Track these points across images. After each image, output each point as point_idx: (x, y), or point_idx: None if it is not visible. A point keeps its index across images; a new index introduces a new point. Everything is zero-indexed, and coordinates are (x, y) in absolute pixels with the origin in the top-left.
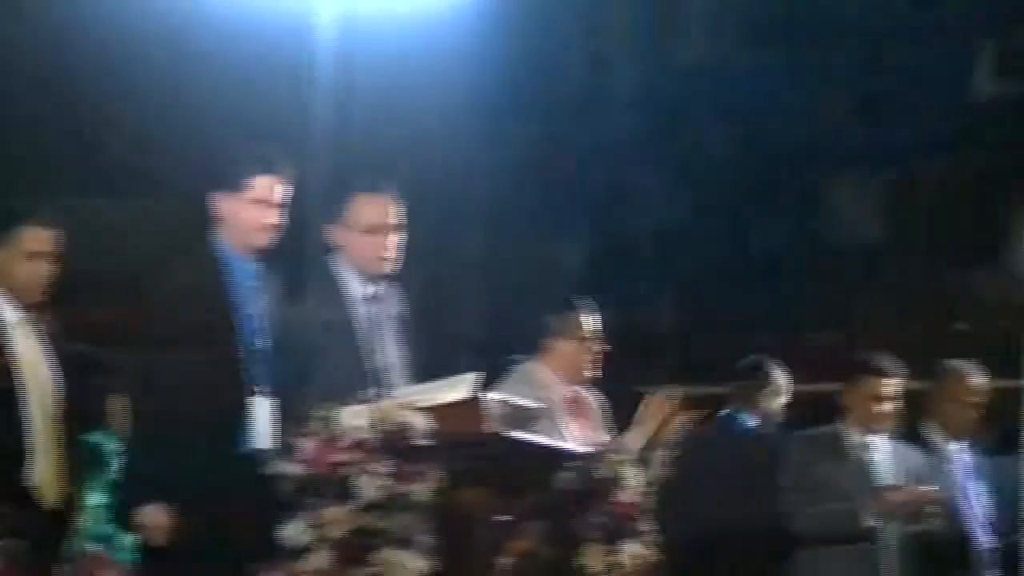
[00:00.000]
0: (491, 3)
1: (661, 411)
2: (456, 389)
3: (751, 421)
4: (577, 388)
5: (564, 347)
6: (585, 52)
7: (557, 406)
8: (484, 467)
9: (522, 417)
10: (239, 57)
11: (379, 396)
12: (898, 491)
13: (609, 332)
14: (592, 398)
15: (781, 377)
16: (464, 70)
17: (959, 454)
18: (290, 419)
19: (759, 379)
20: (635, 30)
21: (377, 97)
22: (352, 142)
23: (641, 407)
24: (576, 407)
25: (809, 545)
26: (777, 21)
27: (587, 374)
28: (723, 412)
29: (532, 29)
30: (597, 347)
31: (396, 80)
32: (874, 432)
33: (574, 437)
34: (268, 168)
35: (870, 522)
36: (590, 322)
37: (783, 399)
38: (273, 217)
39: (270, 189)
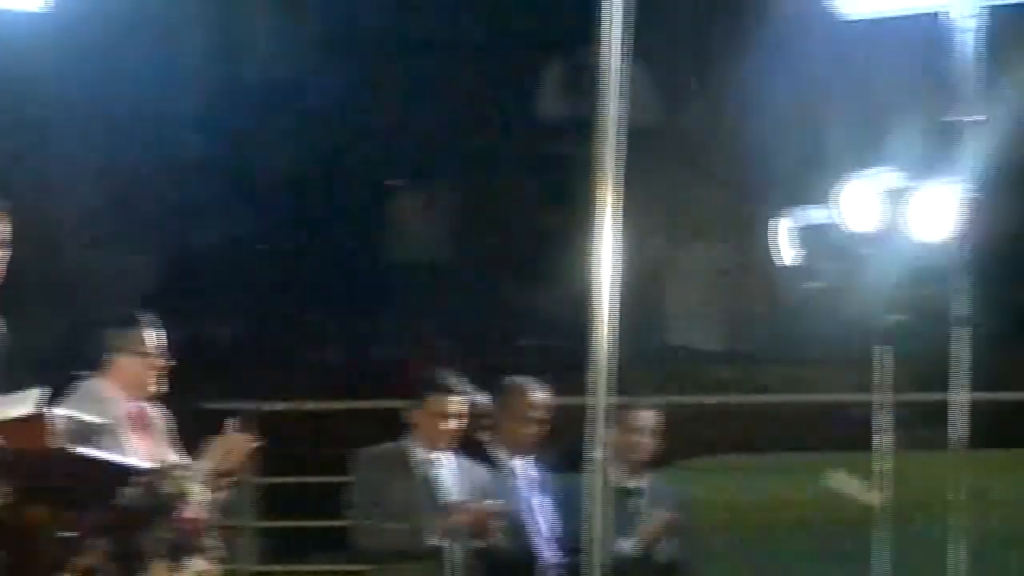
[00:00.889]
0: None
1: (234, 448)
2: (21, 404)
3: None
4: (141, 403)
5: (126, 362)
6: (153, 64)
7: (120, 422)
8: (48, 483)
9: (86, 433)
10: None
11: None
12: (463, 507)
13: (174, 347)
14: (156, 413)
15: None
16: (36, 80)
17: (524, 469)
18: None
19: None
20: (202, 44)
21: None
22: None
23: (215, 443)
24: (140, 422)
25: (376, 563)
26: (341, 35)
27: (151, 389)
28: None
29: (98, 41)
30: (160, 362)
31: None
32: (440, 449)
33: (138, 453)
34: None
35: (435, 540)
36: (153, 337)
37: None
38: None
39: None
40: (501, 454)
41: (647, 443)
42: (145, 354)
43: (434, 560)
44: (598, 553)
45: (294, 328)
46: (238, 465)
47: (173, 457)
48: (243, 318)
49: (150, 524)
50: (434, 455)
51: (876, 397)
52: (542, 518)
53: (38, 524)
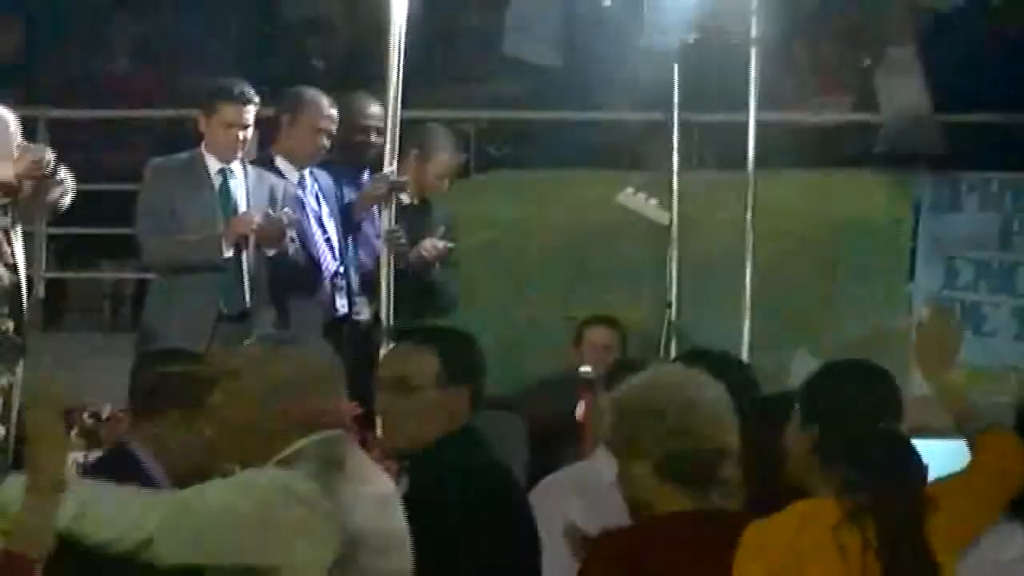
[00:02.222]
0: None
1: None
2: None
3: None
4: None
5: None
6: None
7: None
8: None
9: None
10: None
11: None
12: (253, 216)
13: None
14: None
15: None
16: None
17: (310, 181)
18: None
19: None
20: None
21: None
22: None
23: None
24: None
25: (165, 274)
26: None
27: None
28: None
29: None
30: None
31: None
32: (230, 159)
33: None
34: None
35: (227, 250)
36: None
37: None
38: None
39: None
40: (286, 165)
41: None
42: None
43: (223, 270)
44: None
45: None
46: (34, 173)
47: None
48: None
49: None
50: (225, 165)
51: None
52: (327, 229)
53: None
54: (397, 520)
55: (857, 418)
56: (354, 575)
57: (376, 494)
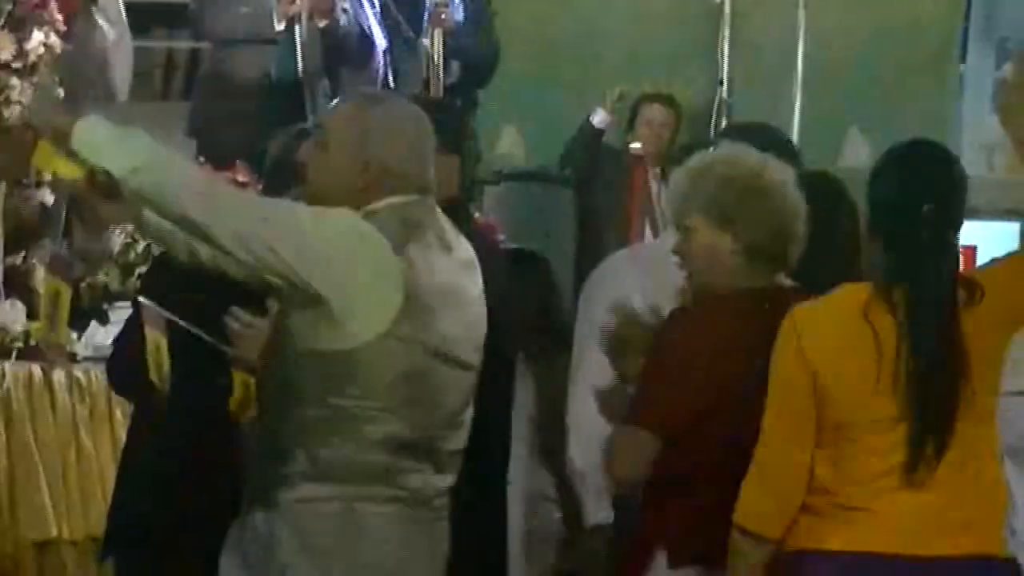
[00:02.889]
0: None
1: None
2: None
3: None
4: None
5: None
6: None
7: None
8: None
9: None
10: None
11: None
12: None
13: None
14: None
15: None
16: None
17: None
18: None
19: None
20: None
21: None
22: None
23: None
24: None
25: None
26: None
27: None
28: None
29: None
30: None
31: None
32: None
33: None
34: None
35: (279, 23)
36: None
37: None
38: None
39: None
40: None
41: None
42: None
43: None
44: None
45: None
46: None
47: None
48: None
49: None
50: None
51: None
52: (375, 3)
53: None
54: (472, 286)
55: (901, 200)
56: (418, 330)
57: (452, 259)
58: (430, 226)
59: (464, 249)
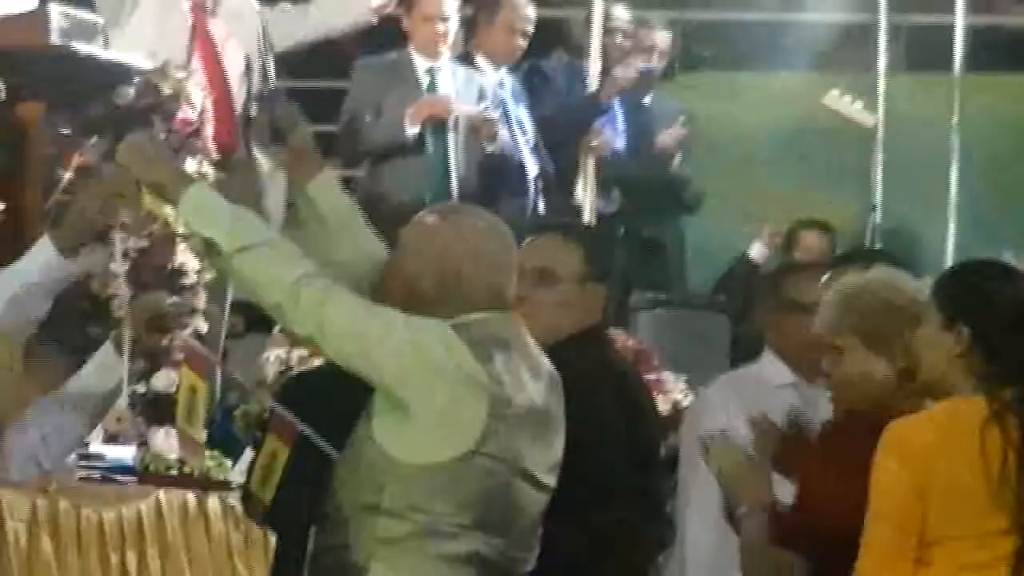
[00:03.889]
0: None
1: None
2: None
3: None
4: None
5: None
6: None
7: None
8: (43, 80)
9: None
10: None
11: None
12: (446, 100)
13: None
14: None
15: None
16: None
17: (505, 79)
18: None
19: None
20: None
21: None
22: None
23: None
24: None
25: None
26: None
27: None
28: None
29: None
30: None
31: None
32: (436, 56)
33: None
34: None
35: (411, 126)
36: None
37: None
38: None
39: None
40: (487, 65)
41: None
42: None
43: (421, 153)
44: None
45: None
46: None
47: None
48: None
49: (148, 124)
50: (433, 64)
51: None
52: (526, 129)
53: (31, 121)
54: (556, 407)
55: (1007, 313)
56: (504, 448)
57: (539, 378)
58: (515, 344)
59: (547, 367)
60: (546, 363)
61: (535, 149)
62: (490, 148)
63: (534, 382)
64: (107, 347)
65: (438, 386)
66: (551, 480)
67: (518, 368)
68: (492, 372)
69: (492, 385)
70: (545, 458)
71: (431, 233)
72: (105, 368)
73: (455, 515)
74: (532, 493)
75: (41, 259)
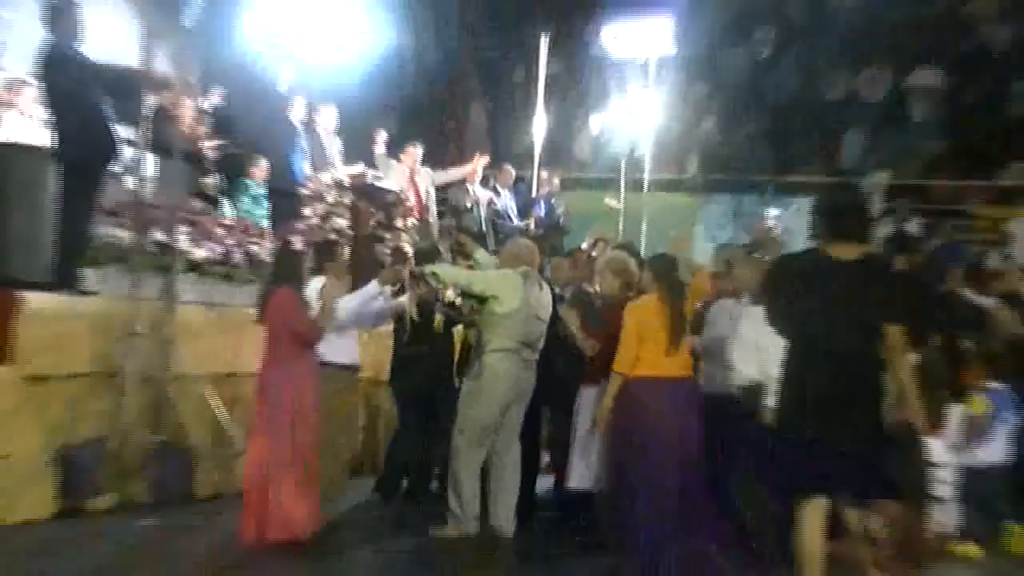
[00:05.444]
0: None
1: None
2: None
3: None
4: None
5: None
6: None
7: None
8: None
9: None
10: None
11: None
12: None
13: None
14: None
15: None
16: None
17: (506, 194)
18: None
19: None
20: None
21: None
22: None
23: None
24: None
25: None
26: None
27: None
28: None
29: None
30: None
31: None
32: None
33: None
34: None
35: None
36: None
37: None
38: None
39: None
40: (501, 189)
41: None
42: None
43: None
44: None
45: None
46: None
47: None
48: None
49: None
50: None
51: None
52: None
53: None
54: (547, 298)
55: (660, 259)
56: (528, 307)
57: (542, 292)
58: (535, 279)
59: (547, 290)
60: (546, 286)
61: (520, 214)
62: (523, 223)
63: (539, 292)
64: (374, 283)
65: (504, 289)
66: (547, 317)
67: (533, 286)
68: (524, 286)
69: (524, 289)
70: (544, 310)
71: (519, 244)
72: (371, 293)
73: (515, 328)
74: (539, 323)
75: (372, 289)
